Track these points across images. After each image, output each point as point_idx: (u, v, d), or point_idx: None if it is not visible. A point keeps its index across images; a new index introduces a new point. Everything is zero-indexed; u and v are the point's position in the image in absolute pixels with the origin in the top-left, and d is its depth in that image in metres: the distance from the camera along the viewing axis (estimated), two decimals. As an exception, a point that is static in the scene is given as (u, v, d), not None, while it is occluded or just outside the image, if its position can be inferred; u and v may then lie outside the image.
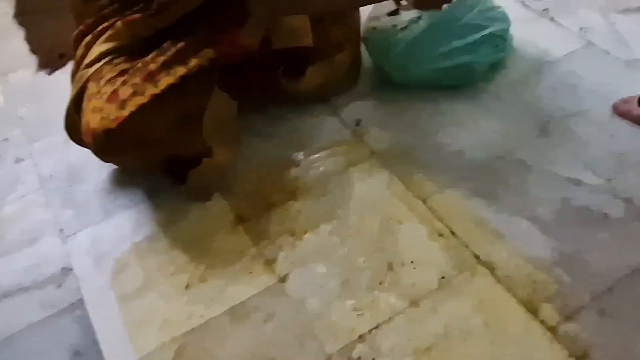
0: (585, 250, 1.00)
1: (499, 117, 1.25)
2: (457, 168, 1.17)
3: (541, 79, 1.33)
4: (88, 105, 1.01)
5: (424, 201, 1.12)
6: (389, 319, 0.96)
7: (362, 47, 1.37)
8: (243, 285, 1.04)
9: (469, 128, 1.24)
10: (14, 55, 1.68)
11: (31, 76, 1.59)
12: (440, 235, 1.06)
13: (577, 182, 1.10)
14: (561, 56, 1.37)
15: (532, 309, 0.94)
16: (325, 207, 1.14)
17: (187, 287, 1.05)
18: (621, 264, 0.98)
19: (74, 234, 1.17)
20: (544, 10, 1.51)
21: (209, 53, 1.05)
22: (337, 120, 1.31)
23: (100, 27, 1.06)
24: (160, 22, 1.06)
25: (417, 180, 1.15)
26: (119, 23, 1.05)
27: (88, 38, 1.07)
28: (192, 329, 0.99)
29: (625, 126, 1.19)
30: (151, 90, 0.99)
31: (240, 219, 1.14)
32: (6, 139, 1.42)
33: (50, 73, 1.61)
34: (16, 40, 1.73)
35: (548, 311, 0.94)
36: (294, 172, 1.21)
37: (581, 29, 1.44)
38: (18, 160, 1.36)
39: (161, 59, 1.02)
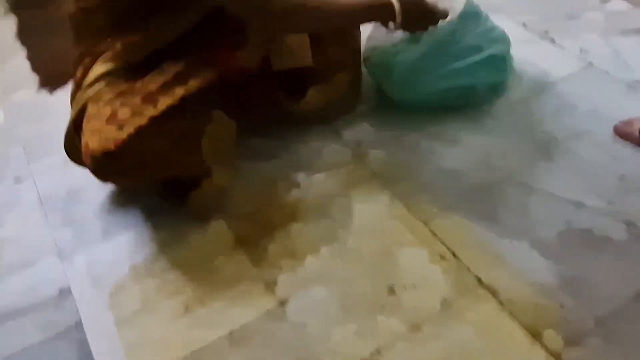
0: (589, 273, 1.00)
1: (500, 139, 1.25)
2: (459, 190, 1.16)
3: (542, 101, 1.33)
4: (87, 126, 1.00)
5: (425, 223, 1.11)
6: (391, 343, 0.94)
7: (363, 68, 1.38)
8: (243, 308, 1.02)
9: (470, 149, 1.24)
10: (15, 74, 1.69)
11: (32, 95, 1.60)
12: (442, 258, 1.05)
13: (579, 205, 1.10)
14: (562, 77, 1.38)
15: (536, 334, 0.93)
16: (326, 229, 1.13)
17: (186, 309, 1.04)
18: (625, 288, 0.97)
19: (73, 254, 1.16)
20: (544, 31, 1.52)
21: (208, 74, 1.05)
22: (338, 141, 1.31)
23: (99, 49, 1.06)
24: (158, 42, 1.07)
25: (419, 202, 1.15)
26: (117, 44, 1.05)
27: (87, 60, 1.07)
28: (191, 353, 0.97)
29: (626, 148, 1.19)
30: (150, 112, 0.99)
31: (240, 241, 1.13)
32: (6, 158, 1.41)
33: (51, 92, 1.61)
34: (18, 59, 1.74)
35: (552, 336, 0.92)
36: (294, 193, 1.21)
37: (581, 50, 1.44)
38: (17, 179, 1.35)
39: (160, 79, 1.02)
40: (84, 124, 1.02)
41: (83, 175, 1.18)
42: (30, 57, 1.76)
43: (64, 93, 1.18)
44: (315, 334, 0.97)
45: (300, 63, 1.24)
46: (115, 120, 0.98)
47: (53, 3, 1.90)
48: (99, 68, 1.05)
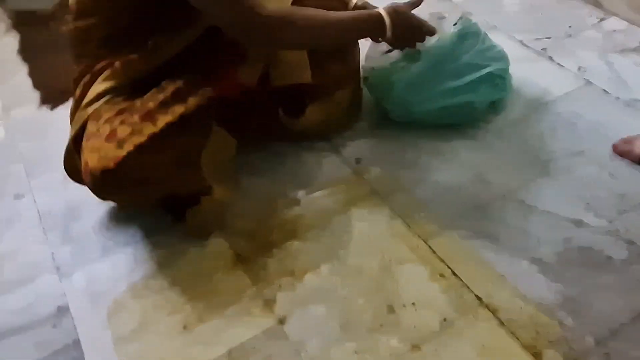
0: (589, 292, 0.99)
1: (500, 156, 1.26)
2: (458, 207, 1.16)
3: (541, 118, 1.33)
4: (87, 144, 1.01)
5: (425, 241, 1.11)
6: (390, 363, 0.94)
7: (362, 85, 1.38)
8: (241, 327, 1.02)
9: (469, 167, 1.24)
10: (17, 90, 1.69)
11: (33, 112, 1.60)
12: (442, 276, 1.05)
13: (579, 223, 1.10)
14: (560, 95, 1.38)
15: (536, 354, 0.92)
16: (326, 246, 1.13)
17: (184, 327, 1.03)
18: (626, 308, 0.97)
19: (71, 272, 1.15)
20: (542, 49, 1.53)
21: (207, 91, 1.06)
22: (338, 158, 1.31)
23: (98, 67, 1.07)
24: (157, 60, 1.08)
25: (418, 220, 1.15)
26: (116, 63, 1.06)
27: (86, 78, 1.08)
28: (189, 372, 0.97)
29: (626, 166, 1.19)
30: (149, 129, 0.99)
31: (239, 258, 1.13)
32: (6, 174, 1.42)
33: (52, 108, 1.62)
34: (20, 75, 1.75)
35: (552, 356, 0.92)
36: (294, 210, 1.21)
37: (580, 68, 1.45)
38: (17, 196, 1.35)
39: (159, 97, 1.03)
40: (84, 143, 1.02)
41: (82, 192, 1.17)
42: (32, 74, 1.77)
43: (65, 109, 1.18)
44: (314, 352, 0.97)
45: (300, 80, 1.24)
46: (115, 138, 0.98)
47: (55, 20, 1.91)
48: (98, 86, 1.06)
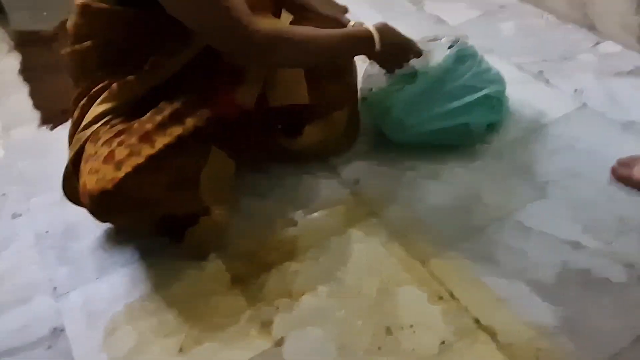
0: (588, 316, 0.98)
1: (497, 178, 1.26)
2: (456, 229, 1.16)
3: (538, 140, 1.34)
4: (85, 167, 1.01)
5: (423, 263, 1.10)
6: (388, 386, 0.93)
7: (360, 106, 1.39)
8: (238, 349, 1.01)
9: (466, 188, 1.24)
10: (17, 110, 1.70)
11: (33, 132, 1.61)
12: (440, 298, 1.04)
13: (577, 246, 1.09)
14: (557, 117, 1.39)
15: (535, 378, 0.92)
16: (323, 268, 1.12)
17: (180, 350, 1.02)
18: (625, 331, 0.96)
19: (67, 292, 1.15)
20: (538, 72, 1.54)
21: (205, 113, 1.07)
22: (336, 179, 1.31)
23: (96, 89, 1.08)
24: (153, 81, 1.08)
25: (416, 242, 1.15)
26: (114, 85, 1.07)
27: (84, 100, 1.09)
28: (185, 395, 0.96)
29: (624, 188, 1.19)
30: (147, 151, 0.99)
31: (237, 280, 1.13)
32: (4, 194, 1.42)
33: (52, 128, 1.62)
34: (20, 95, 1.76)
35: (552, 380, 0.91)
36: (291, 231, 1.21)
37: (576, 90, 1.46)
38: (15, 215, 1.35)
39: (157, 119, 1.04)
40: (82, 165, 1.02)
41: (80, 213, 1.18)
42: (33, 94, 1.78)
43: (65, 129, 1.19)
44: (312, 376, 0.96)
45: (297, 100, 1.25)
46: (113, 160, 0.98)
47: (57, 41, 1.93)
48: (96, 108, 1.07)
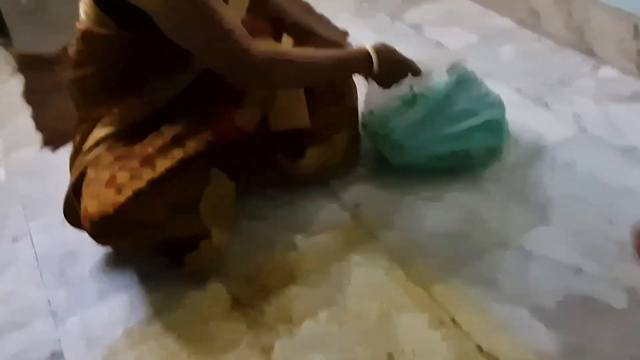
0: (591, 342, 0.98)
1: (498, 203, 1.26)
2: (457, 253, 1.16)
3: (538, 165, 1.34)
4: (87, 191, 1.01)
5: (424, 288, 1.10)
6: (389, 414, 0.92)
7: (361, 130, 1.40)
8: (238, 375, 1.00)
9: (468, 213, 1.25)
10: (18, 132, 1.71)
11: (34, 154, 1.61)
12: (442, 323, 1.04)
13: (578, 271, 1.09)
14: (557, 142, 1.40)
15: (538, 405, 0.91)
16: (324, 292, 1.12)
17: (180, 375, 1.02)
18: (627, 357, 0.95)
19: (67, 316, 1.14)
20: (538, 97, 1.55)
21: (205, 136, 1.07)
22: (336, 202, 1.32)
23: (97, 114, 1.08)
24: (154, 104, 1.09)
25: (417, 266, 1.14)
26: (115, 109, 1.08)
27: (85, 125, 1.09)
28: (184, 422, 0.95)
29: (625, 214, 1.19)
30: (149, 175, 1.00)
31: (237, 304, 1.12)
32: (5, 216, 1.42)
33: (54, 150, 1.62)
34: (22, 117, 1.76)
35: (555, 408, 0.90)
36: (292, 255, 1.20)
37: (575, 115, 1.47)
38: (15, 238, 1.35)
39: (158, 142, 1.04)
40: (84, 189, 1.03)
41: (80, 236, 1.18)
42: (35, 116, 1.79)
43: (67, 152, 1.20)
44: (312, 402, 0.95)
45: (298, 125, 1.26)
46: (114, 184, 0.98)
47: (60, 64, 1.95)
48: (97, 132, 1.08)
